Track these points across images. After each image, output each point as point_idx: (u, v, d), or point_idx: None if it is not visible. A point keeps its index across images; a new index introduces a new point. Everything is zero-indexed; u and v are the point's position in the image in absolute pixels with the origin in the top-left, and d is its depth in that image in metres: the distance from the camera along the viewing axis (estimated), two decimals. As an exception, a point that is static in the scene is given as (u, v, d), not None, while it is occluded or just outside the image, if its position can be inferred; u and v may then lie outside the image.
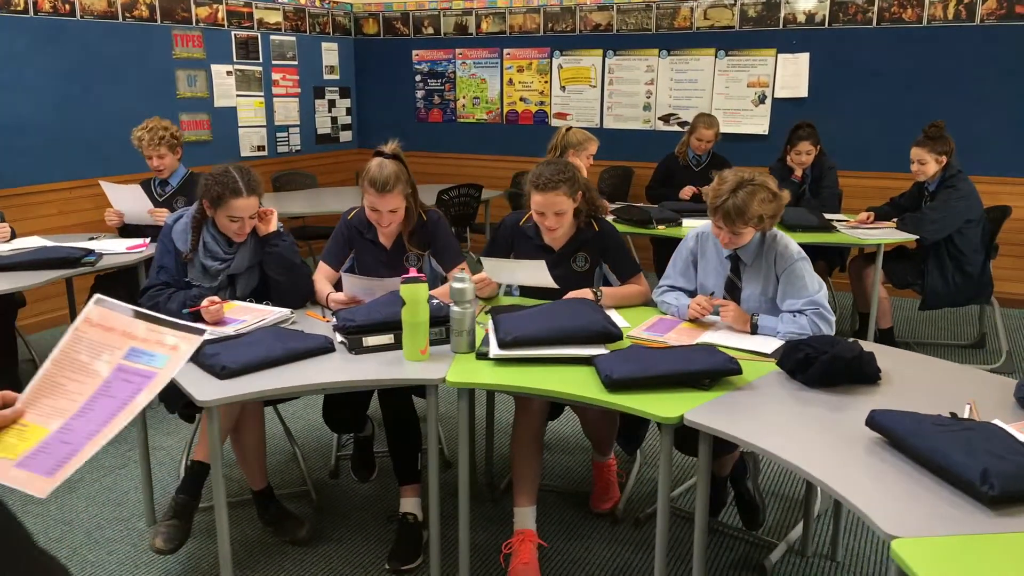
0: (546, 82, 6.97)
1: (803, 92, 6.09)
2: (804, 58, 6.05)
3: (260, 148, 6.75)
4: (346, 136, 7.70)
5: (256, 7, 6.58)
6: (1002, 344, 4.56)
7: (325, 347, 2.44)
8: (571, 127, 4.98)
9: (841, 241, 4.33)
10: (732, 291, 2.77)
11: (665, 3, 6.42)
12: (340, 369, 2.35)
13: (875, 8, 5.79)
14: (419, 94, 7.53)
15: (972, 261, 4.44)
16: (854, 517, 2.98)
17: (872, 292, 4.40)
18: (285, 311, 2.75)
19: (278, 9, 6.80)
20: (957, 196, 4.38)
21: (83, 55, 5.33)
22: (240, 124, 6.52)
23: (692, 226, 4.59)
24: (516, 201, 5.81)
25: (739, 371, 2.19)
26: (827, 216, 4.58)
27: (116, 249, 3.79)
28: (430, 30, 7.35)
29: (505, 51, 7.09)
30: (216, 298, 2.66)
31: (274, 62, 6.80)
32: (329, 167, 7.41)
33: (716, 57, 6.32)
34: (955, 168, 4.45)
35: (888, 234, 4.40)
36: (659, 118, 6.60)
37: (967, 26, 5.57)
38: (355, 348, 2.45)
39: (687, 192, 5.33)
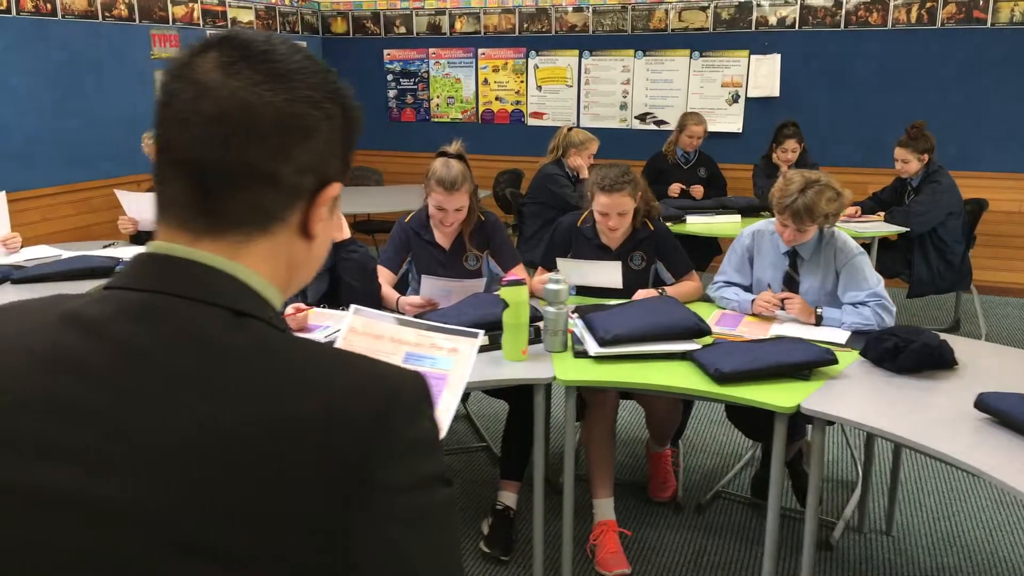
0: (522, 82, 7.06)
1: (775, 92, 6.35)
2: (776, 59, 6.31)
3: (235, 149, 6.62)
4: (316, 136, 7.61)
5: (230, 6, 6.46)
6: (981, 328, 4.90)
7: (425, 350, 2.49)
8: (572, 127, 5.11)
9: (839, 235, 4.56)
10: (790, 285, 2.93)
11: (640, 5, 6.59)
12: (446, 371, 2.40)
13: (843, 12, 6.09)
14: (391, 93, 7.51)
15: (954, 251, 4.75)
16: (906, 494, 3.19)
17: (866, 282, 4.65)
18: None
19: (250, 8, 6.69)
20: (941, 190, 4.69)
21: (65, 56, 5.15)
22: (216, 125, 6.38)
23: (696, 223, 4.83)
24: (506, 202, 5.90)
25: (835, 361, 2.34)
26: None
27: (141, 257, 3.69)
28: (402, 29, 7.34)
29: (480, 51, 7.15)
30: (302, 305, 2.67)
31: (247, 62, 6.68)
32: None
33: (691, 58, 6.53)
34: (936, 164, 4.75)
35: (880, 227, 4.67)
36: (635, 117, 6.77)
37: (929, 29, 5.91)
38: (453, 350, 2.50)
39: (675, 189, 5.50)
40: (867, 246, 4.61)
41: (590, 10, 6.73)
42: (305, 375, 0.71)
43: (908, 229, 4.65)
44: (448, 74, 7.29)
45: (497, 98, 7.17)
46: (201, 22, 6.19)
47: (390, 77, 7.48)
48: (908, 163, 4.75)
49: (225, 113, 0.71)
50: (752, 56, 6.37)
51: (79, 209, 5.32)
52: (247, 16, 6.65)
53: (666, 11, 6.53)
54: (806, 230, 2.77)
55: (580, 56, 6.84)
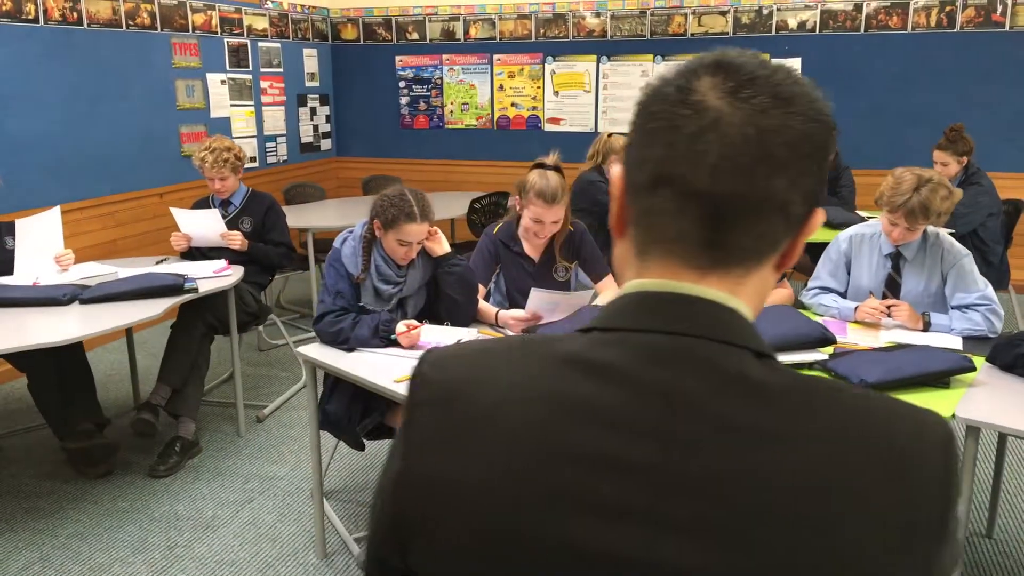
0: (538, 87, 7.02)
1: (795, 95, 6.38)
2: (796, 63, 6.35)
3: (252, 159, 6.49)
4: (327, 144, 7.51)
5: (246, 13, 6.33)
6: (1020, 328, 4.96)
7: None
8: (612, 133, 5.08)
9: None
10: (892, 287, 2.93)
11: (659, 10, 6.60)
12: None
13: (863, 16, 6.15)
14: (403, 100, 7.42)
15: (994, 251, 4.81)
16: (1008, 497, 3.20)
17: (912, 284, 4.70)
18: (473, 331, 2.72)
19: (264, 15, 6.57)
20: (982, 192, 4.74)
21: (90, 66, 5.00)
22: (234, 135, 6.25)
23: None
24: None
25: (973, 368, 2.33)
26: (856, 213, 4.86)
27: (203, 273, 3.60)
28: (415, 36, 7.26)
29: (495, 57, 7.10)
30: (414, 322, 2.61)
31: (262, 70, 6.56)
32: (314, 176, 7.20)
33: (711, 62, 6.53)
34: (975, 166, 4.82)
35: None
36: (655, 122, 6.76)
37: (948, 33, 6.00)
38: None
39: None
40: (912, 248, 4.67)
41: (608, 15, 6.72)
42: (861, 422, 0.67)
43: (951, 230, 4.69)
44: (463, 80, 7.22)
45: (513, 104, 7.12)
46: (219, 30, 6.06)
47: (402, 84, 7.39)
48: (948, 166, 4.80)
49: (747, 141, 0.67)
50: (772, 60, 6.38)
51: (104, 224, 5.16)
52: (262, 23, 6.52)
53: (685, 16, 6.54)
54: (917, 229, 2.77)
55: (598, 61, 6.82)
